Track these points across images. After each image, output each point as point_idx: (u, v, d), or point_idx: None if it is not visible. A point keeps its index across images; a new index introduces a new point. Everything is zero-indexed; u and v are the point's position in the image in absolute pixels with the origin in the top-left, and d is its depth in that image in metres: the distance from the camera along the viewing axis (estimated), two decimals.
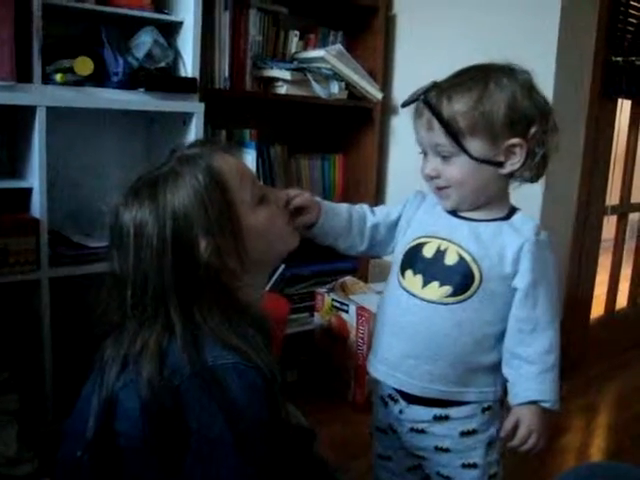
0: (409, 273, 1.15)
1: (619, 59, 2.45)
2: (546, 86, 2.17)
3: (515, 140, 1.06)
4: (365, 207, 1.26)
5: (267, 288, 2.35)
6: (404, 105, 1.12)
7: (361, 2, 2.57)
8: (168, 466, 0.88)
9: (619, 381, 2.72)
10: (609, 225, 2.83)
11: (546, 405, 1.10)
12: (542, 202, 2.27)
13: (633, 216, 3.13)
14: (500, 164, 1.08)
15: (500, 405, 1.19)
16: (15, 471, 1.62)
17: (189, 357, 0.88)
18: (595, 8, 2.31)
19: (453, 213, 1.15)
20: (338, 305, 2.36)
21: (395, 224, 1.24)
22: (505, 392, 1.16)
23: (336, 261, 2.66)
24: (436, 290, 1.11)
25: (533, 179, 1.13)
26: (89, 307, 1.00)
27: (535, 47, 2.19)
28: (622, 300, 3.15)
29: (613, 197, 2.80)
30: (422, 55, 2.56)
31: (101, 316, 0.99)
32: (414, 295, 1.13)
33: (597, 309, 2.94)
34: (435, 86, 1.10)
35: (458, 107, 1.05)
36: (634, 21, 2.46)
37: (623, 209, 2.98)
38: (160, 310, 0.93)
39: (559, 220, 2.42)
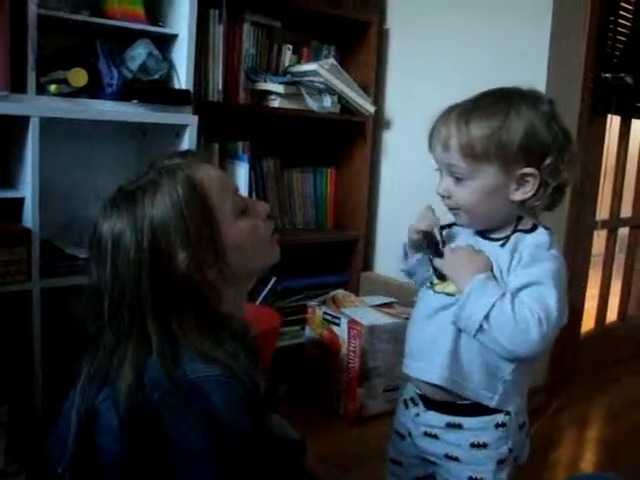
0: (436, 280, 1.18)
1: (608, 75, 2.48)
2: None
3: (528, 170, 1.07)
4: None
5: (258, 301, 2.36)
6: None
7: (354, 16, 2.59)
8: None
9: (610, 395, 2.72)
10: (599, 240, 2.85)
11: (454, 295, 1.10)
12: None
13: (623, 231, 3.15)
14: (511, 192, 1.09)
15: (519, 428, 1.18)
16: None
17: (167, 371, 0.87)
18: (585, 24, 2.34)
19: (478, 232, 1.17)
20: (329, 318, 2.36)
21: None
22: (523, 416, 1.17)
23: (327, 274, 2.67)
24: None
25: (547, 208, 1.13)
26: (79, 318, 0.99)
27: (525, 63, 2.22)
28: (612, 314, 3.16)
29: (603, 212, 2.82)
30: (414, 69, 2.58)
31: (81, 328, 0.98)
32: (444, 293, 1.15)
33: (588, 323, 2.95)
34: (456, 107, 1.11)
35: (476, 133, 1.06)
36: (623, 38, 2.50)
37: (613, 224, 3.00)
38: (137, 323, 0.92)
39: None
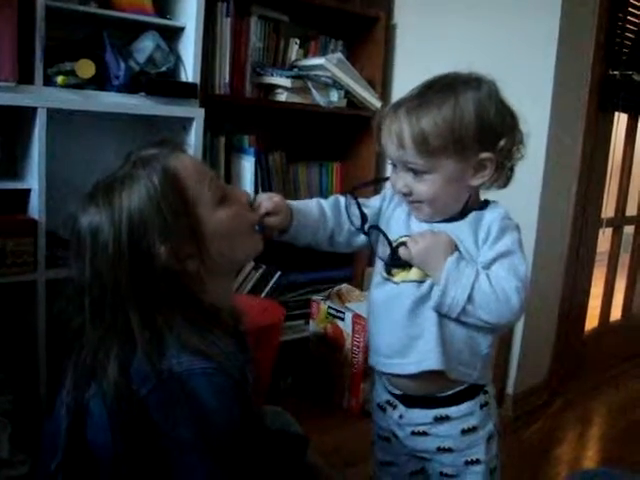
0: (395, 270, 1.15)
1: (616, 73, 2.47)
2: (544, 98, 2.21)
3: (485, 155, 1.07)
4: (336, 195, 1.25)
5: (263, 295, 2.36)
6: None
7: (362, 11, 2.59)
8: (140, 476, 0.87)
9: (613, 392, 2.73)
10: (604, 238, 2.84)
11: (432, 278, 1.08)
12: (538, 214, 2.28)
13: (628, 229, 3.15)
14: (470, 178, 1.09)
15: (496, 402, 1.21)
16: (8, 473, 1.62)
17: (153, 365, 0.86)
18: (593, 22, 2.33)
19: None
20: (334, 313, 2.37)
21: (377, 212, 1.22)
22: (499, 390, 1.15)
23: (332, 269, 2.67)
24: (419, 271, 1.11)
25: (501, 187, 1.14)
26: (61, 314, 0.98)
27: (533, 60, 2.22)
28: (616, 312, 3.16)
29: (608, 210, 2.82)
30: (421, 65, 2.57)
31: (65, 324, 0.96)
32: (414, 281, 1.12)
33: (592, 321, 2.95)
34: (402, 103, 1.10)
35: (429, 128, 1.05)
36: (631, 36, 2.49)
37: (618, 222, 3.00)
38: (119, 317, 0.91)
39: (555, 232, 2.43)
